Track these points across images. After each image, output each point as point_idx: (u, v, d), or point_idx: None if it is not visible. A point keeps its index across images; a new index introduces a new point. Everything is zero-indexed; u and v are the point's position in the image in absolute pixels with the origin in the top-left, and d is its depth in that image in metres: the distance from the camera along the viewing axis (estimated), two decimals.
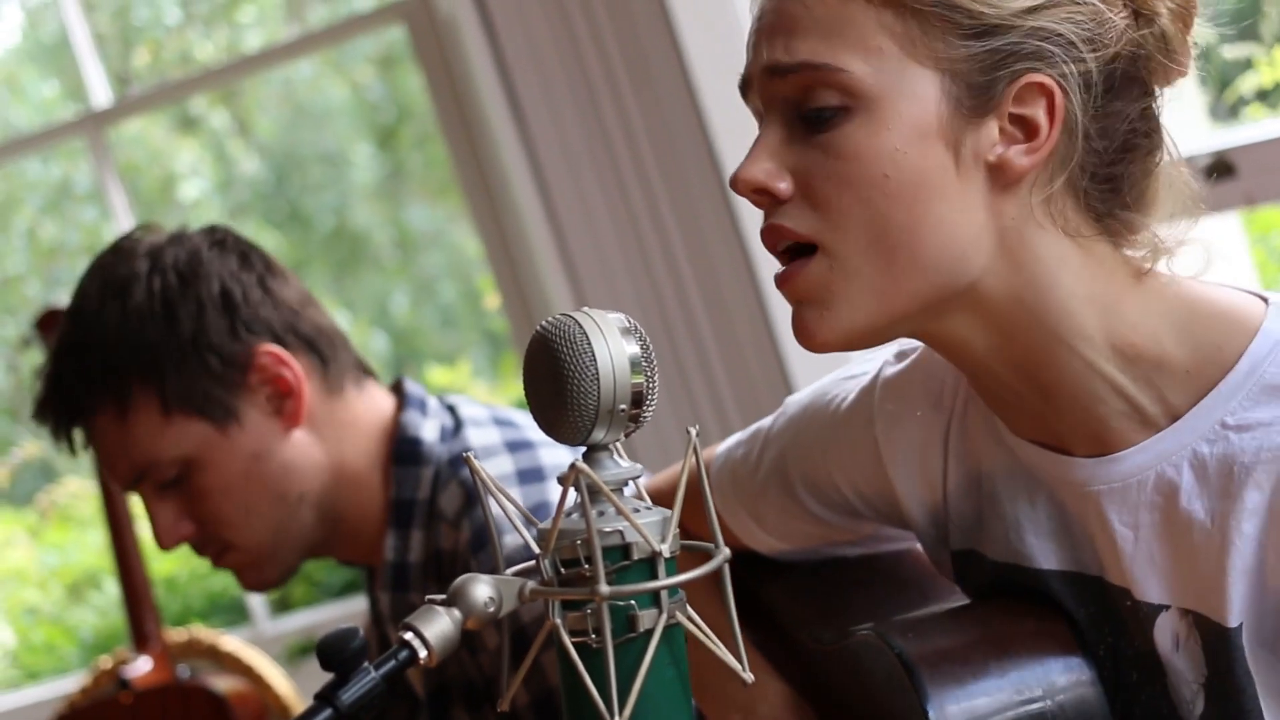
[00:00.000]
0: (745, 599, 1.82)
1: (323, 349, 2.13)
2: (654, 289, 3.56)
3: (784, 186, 1.40)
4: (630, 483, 1.23)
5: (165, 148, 8.03)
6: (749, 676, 1.24)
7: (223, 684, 3.49)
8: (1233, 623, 1.38)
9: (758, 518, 1.75)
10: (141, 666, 3.50)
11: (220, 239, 2.14)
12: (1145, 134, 1.40)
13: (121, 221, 4.70)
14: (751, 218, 3.46)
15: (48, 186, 8.01)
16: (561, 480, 1.20)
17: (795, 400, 1.73)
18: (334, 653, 1.18)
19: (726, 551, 1.23)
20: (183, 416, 2.07)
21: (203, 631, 3.74)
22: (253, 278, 2.11)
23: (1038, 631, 1.52)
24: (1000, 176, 1.37)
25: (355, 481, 2.13)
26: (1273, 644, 1.38)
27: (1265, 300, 1.42)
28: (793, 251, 1.41)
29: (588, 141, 3.59)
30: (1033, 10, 1.36)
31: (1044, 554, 1.51)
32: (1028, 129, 1.37)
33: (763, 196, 1.41)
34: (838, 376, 1.70)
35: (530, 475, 2.07)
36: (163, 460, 2.08)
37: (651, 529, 1.20)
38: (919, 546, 1.70)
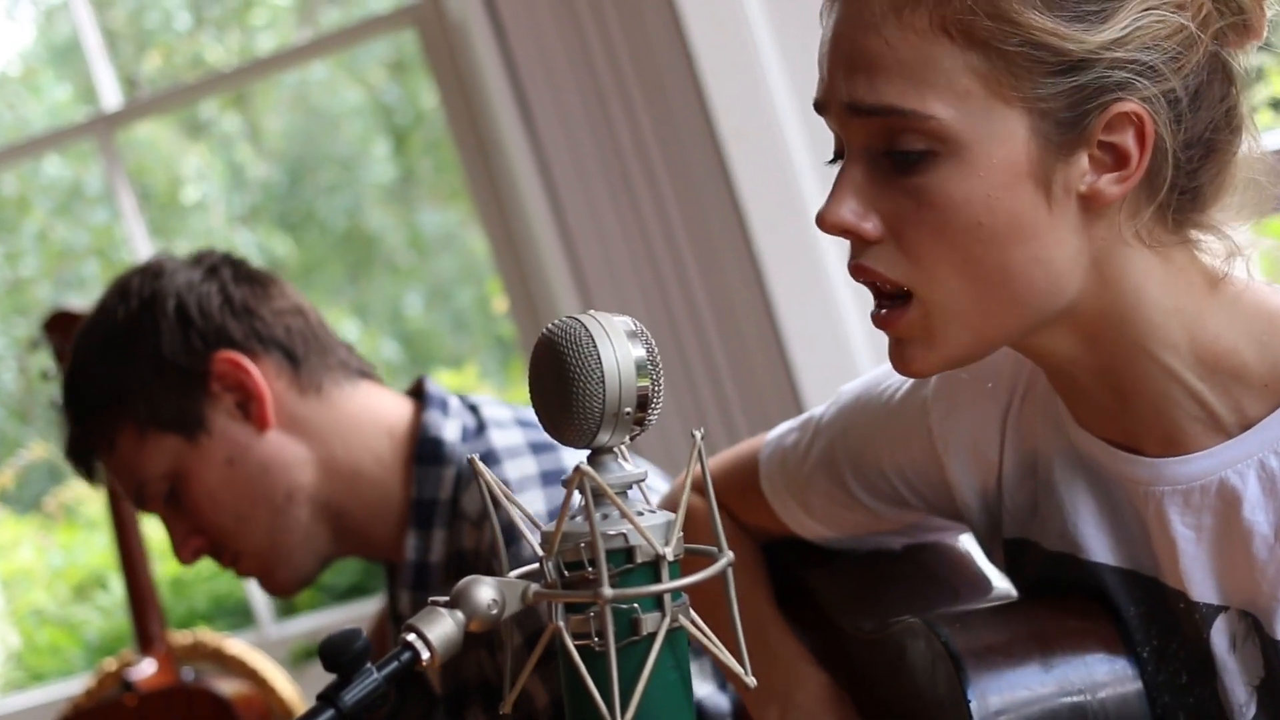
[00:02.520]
0: (790, 584, 1.83)
1: (294, 349, 2.14)
2: (661, 293, 3.56)
3: (871, 228, 1.38)
4: (635, 486, 1.23)
5: (175, 152, 8.03)
6: (751, 680, 1.24)
7: (227, 687, 3.49)
8: None
9: (805, 505, 1.75)
10: (146, 669, 3.50)
11: (202, 258, 2.18)
12: (1229, 129, 1.39)
13: (131, 224, 4.70)
14: (760, 222, 3.46)
15: (59, 189, 8.02)
16: (566, 483, 1.20)
17: (848, 389, 1.73)
18: (337, 654, 1.18)
19: (730, 555, 1.23)
20: (156, 434, 2.13)
21: (207, 634, 3.74)
22: (213, 288, 2.14)
23: (1082, 629, 1.52)
24: (1092, 205, 1.36)
25: (353, 477, 2.14)
26: None
27: None
28: (881, 292, 1.40)
29: (597, 146, 3.59)
30: (1118, 41, 1.33)
31: (1100, 547, 1.51)
32: (1118, 156, 1.35)
33: (849, 236, 1.39)
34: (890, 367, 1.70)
35: (553, 477, 2.08)
36: (150, 478, 2.14)
37: (655, 532, 1.20)
38: (962, 541, 1.72)
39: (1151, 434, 1.44)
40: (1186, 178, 1.38)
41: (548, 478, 2.09)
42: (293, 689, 3.61)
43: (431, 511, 2.12)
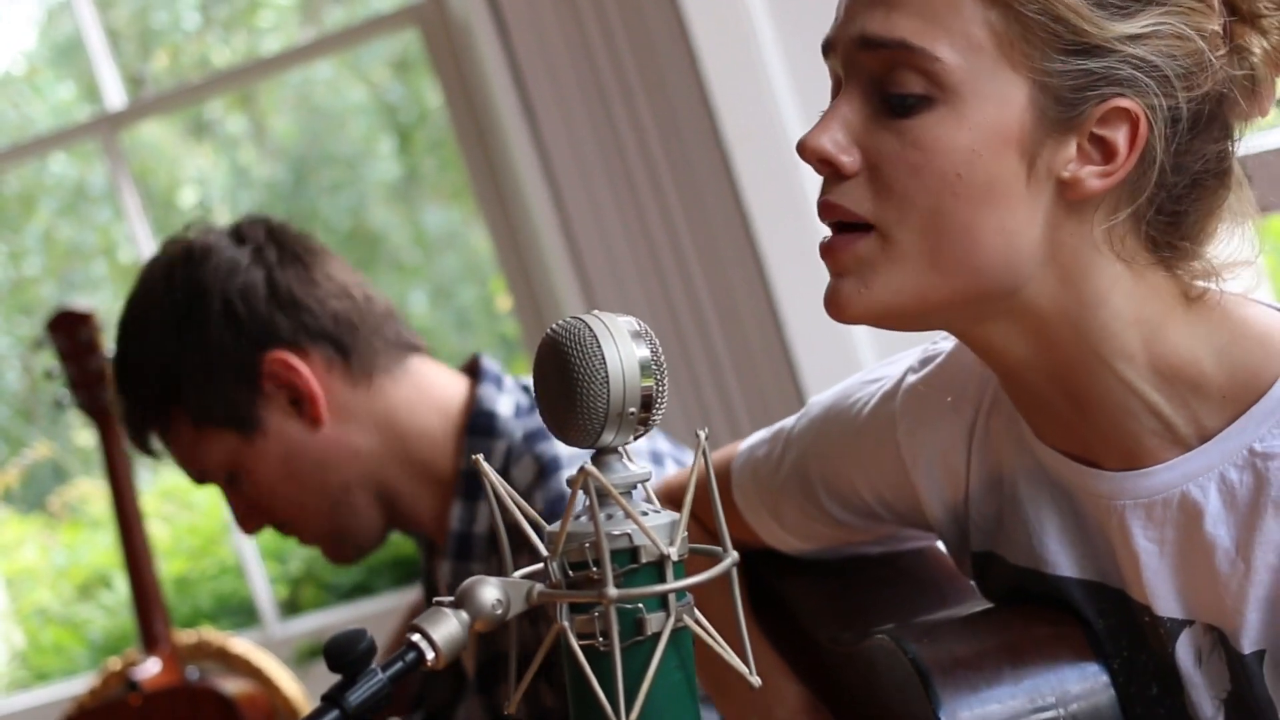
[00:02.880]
0: (765, 596, 1.82)
1: (343, 339, 2.15)
2: (665, 292, 3.56)
3: (850, 161, 1.38)
4: (639, 486, 1.23)
5: (181, 153, 8.03)
6: (756, 680, 1.24)
7: (232, 686, 3.49)
8: (1247, 649, 1.37)
9: (778, 517, 1.74)
10: (150, 668, 3.50)
11: (244, 233, 2.18)
12: (1217, 174, 1.38)
13: (135, 224, 4.70)
14: (764, 222, 3.46)
15: (64, 189, 8.02)
16: (570, 483, 1.20)
17: (818, 402, 1.72)
18: (341, 654, 1.18)
19: (734, 555, 1.23)
20: (212, 429, 2.16)
21: (212, 633, 3.74)
22: (259, 277, 2.14)
23: (1053, 637, 1.51)
24: (1068, 194, 1.36)
25: (406, 461, 2.17)
26: None
27: None
28: (843, 226, 1.40)
29: (600, 145, 3.59)
30: (1136, 38, 1.33)
31: (1065, 561, 1.50)
32: (1105, 151, 1.35)
33: (826, 168, 1.39)
34: (860, 379, 1.69)
35: None
36: (209, 467, 2.18)
37: (660, 532, 1.20)
38: (939, 545, 1.70)
39: (1110, 447, 1.43)
40: (1169, 200, 1.37)
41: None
42: (297, 688, 3.61)
43: (480, 483, 2.13)
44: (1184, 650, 1.42)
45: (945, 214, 1.35)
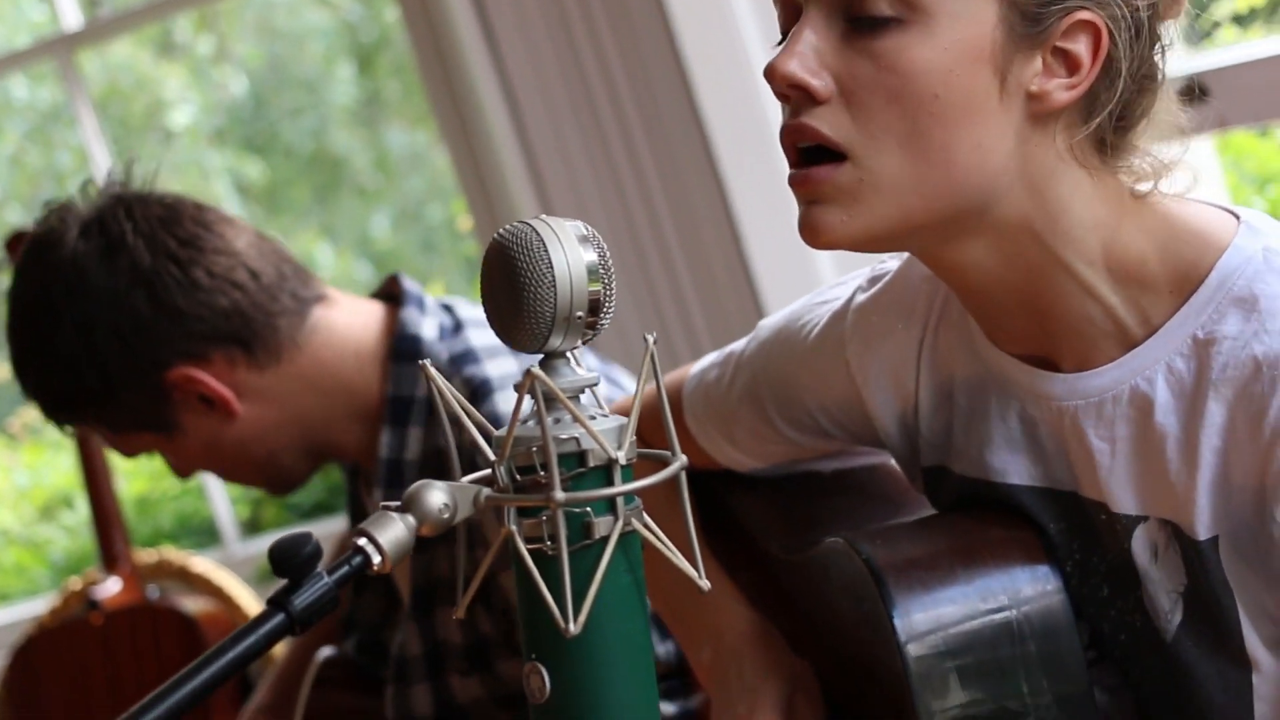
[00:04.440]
0: (716, 511, 1.82)
1: (240, 334, 2.11)
2: (624, 209, 3.55)
3: (822, 85, 1.38)
4: (587, 390, 1.23)
5: (151, 74, 7.97)
6: (705, 584, 1.24)
7: (192, 605, 3.49)
8: (1202, 535, 1.39)
9: (731, 439, 1.75)
10: (111, 587, 3.50)
11: (107, 229, 2.12)
12: (1153, 77, 1.41)
13: (94, 148, 4.67)
14: (721, 133, 3.44)
15: (35, 111, 7.96)
16: (517, 387, 1.20)
17: (768, 325, 1.73)
18: (287, 558, 1.18)
19: (683, 459, 1.23)
20: (129, 432, 2.17)
21: (173, 553, 3.74)
22: (140, 298, 2.08)
23: (1007, 540, 1.53)
24: (1036, 108, 1.37)
25: (328, 412, 2.15)
26: (1249, 556, 1.39)
27: (1237, 216, 1.44)
28: (813, 153, 1.39)
29: (559, 64, 3.57)
30: None
31: (1015, 469, 1.52)
32: (1070, 64, 1.37)
33: (797, 93, 1.39)
34: (810, 301, 1.70)
35: None
36: (133, 454, 2.22)
37: (607, 436, 1.20)
38: (892, 460, 1.71)
39: (1065, 351, 1.46)
40: (1123, 105, 1.39)
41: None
42: (259, 606, 3.60)
43: (408, 409, 2.13)
44: (1140, 546, 1.44)
45: (923, 136, 1.36)
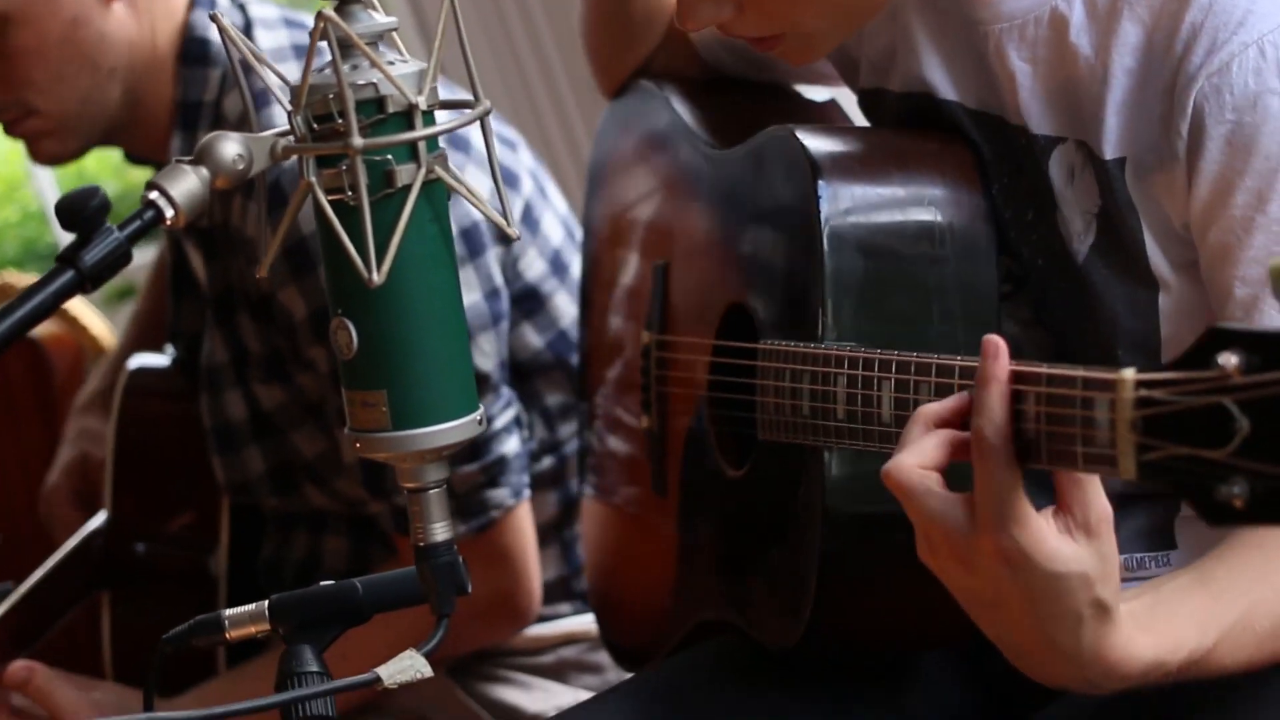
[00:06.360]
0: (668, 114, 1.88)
1: None
2: None
3: (728, 10, 1.48)
4: (387, 36, 1.19)
5: None
6: (514, 232, 1.22)
7: (38, 327, 3.43)
8: (1109, 154, 1.45)
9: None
10: None
11: None
12: None
13: None
14: None
15: None
16: (312, 33, 1.15)
17: None
18: (74, 212, 1.14)
19: (486, 104, 1.20)
20: None
21: (15, 275, 3.67)
22: None
23: (942, 152, 1.57)
24: None
25: (158, 68, 2.10)
26: (1155, 178, 1.44)
27: None
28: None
29: None
30: None
31: (950, 86, 1.58)
32: None
33: (716, 25, 1.51)
34: None
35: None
36: None
37: (407, 81, 1.16)
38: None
39: None
40: None
41: (299, 50, 2.06)
42: (104, 327, 3.55)
43: (197, 114, 2.11)
44: (1056, 168, 1.49)
45: None
